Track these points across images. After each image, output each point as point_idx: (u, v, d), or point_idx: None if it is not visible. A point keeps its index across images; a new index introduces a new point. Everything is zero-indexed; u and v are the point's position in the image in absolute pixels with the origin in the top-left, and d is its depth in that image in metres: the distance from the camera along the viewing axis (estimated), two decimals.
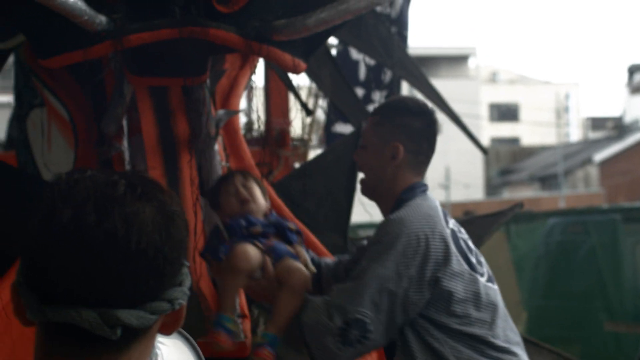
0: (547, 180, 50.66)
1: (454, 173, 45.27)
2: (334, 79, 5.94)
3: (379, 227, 3.66)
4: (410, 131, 3.78)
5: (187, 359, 2.71)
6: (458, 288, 3.52)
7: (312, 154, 7.38)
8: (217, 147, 4.56)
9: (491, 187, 55.21)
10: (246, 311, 4.35)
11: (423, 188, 3.77)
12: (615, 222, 11.53)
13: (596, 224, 11.90)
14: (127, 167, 4.42)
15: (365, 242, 4.00)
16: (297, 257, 3.98)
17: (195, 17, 3.97)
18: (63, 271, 1.60)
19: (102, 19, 3.87)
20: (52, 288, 1.62)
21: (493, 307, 3.59)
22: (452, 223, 3.70)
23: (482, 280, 3.60)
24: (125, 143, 4.43)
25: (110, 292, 1.61)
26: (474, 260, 3.64)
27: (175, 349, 2.73)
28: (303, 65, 4.28)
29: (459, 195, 45.46)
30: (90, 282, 1.60)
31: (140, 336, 1.68)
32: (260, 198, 4.12)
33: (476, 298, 3.55)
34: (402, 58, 6.25)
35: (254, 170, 4.88)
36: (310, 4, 4.05)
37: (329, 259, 4.20)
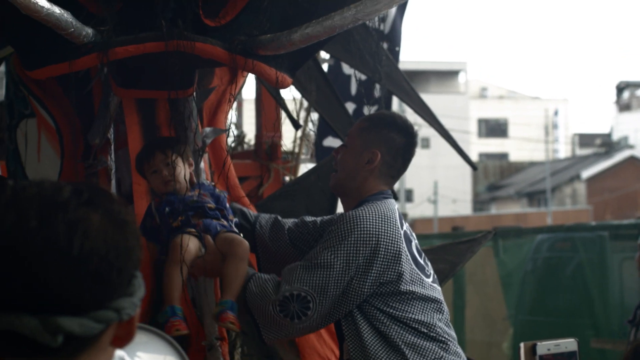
0: (534, 196, 50.78)
1: (442, 188, 45.30)
2: (324, 93, 5.94)
3: (337, 220, 3.98)
4: (391, 144, 4.06)
5: None
6: (403, 284, 3.87)
7: (303, 167, 7.39)
8: (203, 164, 4.55)
9: (479, 203, 55.27)
10: (225, 334, 4.35)
11: (386, 195, 4.06)
12: (603, 239, 11.52)
13: (584, 240, 11.89)
14: (113, 181, 4.41)
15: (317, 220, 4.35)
16: (230, 227, 4.20)
17: (181, 30, 3.99)
18: (4, 276, 1.58)
19: (88, 31, 3.88)
20: None
21: (437, 304, 3.96)
22: (405, 226, 4.02)
23: (428, 280, 3.98)
24: (111, 157, 4.41)
25: (51, 298, 1.58)
26: (422, 262, 4.02)
27: None
28: (289, 79, 4.31)
29: (446, 210, 45.50)
30: (31, 288, 1.58)
31: (88, 347, 1.65)
32: (180, 175, 4.22)
33: (420, 295, 3.90)
34: (393, 73, 6.24)
35: (238, 190, 4.84)
36: (297, 19, 4.08)
37: (266, 216, 4.47)
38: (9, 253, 1.58)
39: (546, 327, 11.87)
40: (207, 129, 4.63)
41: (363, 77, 7.00)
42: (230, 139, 8.43)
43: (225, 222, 4.21)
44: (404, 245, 3.91)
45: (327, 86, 6.01)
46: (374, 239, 3.83)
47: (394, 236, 3.88)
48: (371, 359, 3.83)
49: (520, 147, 60.11)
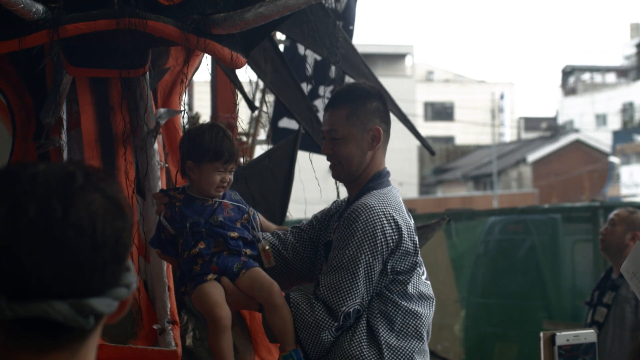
0: (480, 180, 51.15)
1: None
2: (280, 74, 5.88)
3: (354, 215, 3.81)
4: (379, 113, 4.01)
5: None
6: (410, 278, 3.88)
7: (259, 149, 7.33)
8: (157, 146, 4.49)
9: (425, 186, 55.55)
10: (176, 317, 4.29)
11: (388, 176, 4.02)
12: (555, 221, 11.56)
13: (536, 223, 11.92)
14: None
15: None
16: (249, 263, 3.89)
17: (133, 8, 3.94)
18: (33, 266, 1.57)
19: (38, 7, 3.81)
20: (21, 283, 1.58)
21: (430, 300, 3.95)
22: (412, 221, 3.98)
23: (423, 277, 3.95)
24: (64, 137, 4.35)
25: (79, 282, 1.61)
26: (420, 257, 3.98)
27: None
28: (242, 59, 4.26)
29: None
30: (61, 274, 1.59)
31: (99, 324, 1.67)
32: (227, 187, 3.98)
33: (420, 291, 3.91)
34: (350, 54, 6.21)
35: None
36: None
37: (274, 233, 4.22)
38: (37, 242, 1.58)
39: (498, 309, 11.91)
40: (161, 110, 4.58)
41: (319, 57, 6.93)
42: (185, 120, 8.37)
43: (243, 258, 3.89)
44: (417, 238, 3.94)
45: (283, 67, 5.95)
46: (396, 232, 3.81)
47: (411, 231, 3.89)
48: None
49: (466, 131, 60.47)
